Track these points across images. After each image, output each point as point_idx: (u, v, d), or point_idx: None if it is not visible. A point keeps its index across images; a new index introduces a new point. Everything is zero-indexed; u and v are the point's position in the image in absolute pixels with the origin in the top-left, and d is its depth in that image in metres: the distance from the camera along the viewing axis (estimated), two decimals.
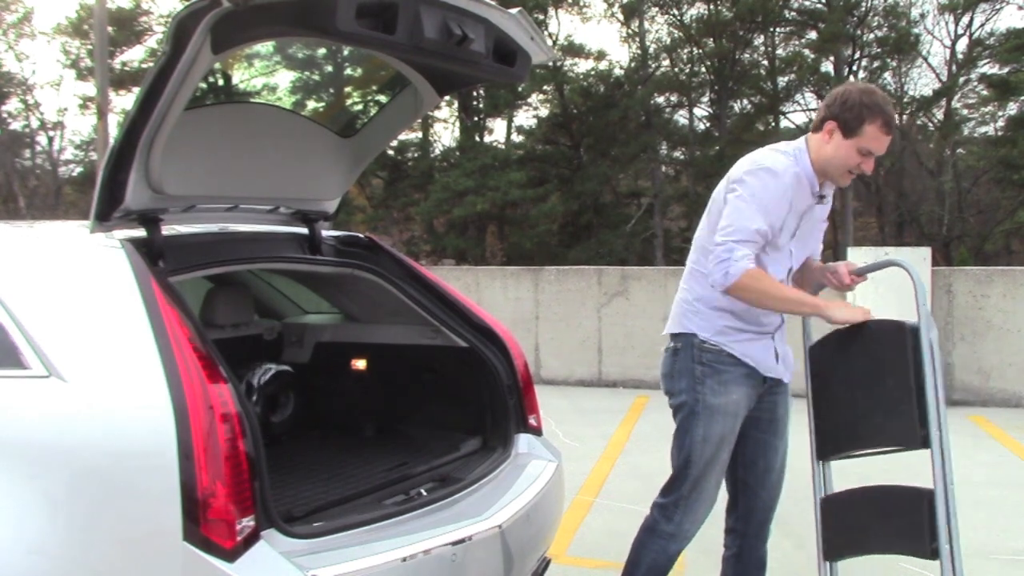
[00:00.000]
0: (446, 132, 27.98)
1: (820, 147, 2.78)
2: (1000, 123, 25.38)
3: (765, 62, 26.32)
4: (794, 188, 2.75)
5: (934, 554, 2.63)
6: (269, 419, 3.41)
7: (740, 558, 3.09)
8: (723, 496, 3.06)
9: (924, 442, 2.66)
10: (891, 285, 7.89)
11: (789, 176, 2.74)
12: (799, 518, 4.74)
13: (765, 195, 2.69)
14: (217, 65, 2.39)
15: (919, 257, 8.06)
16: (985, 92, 24.90)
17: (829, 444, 2.96)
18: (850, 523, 2.92)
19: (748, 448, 2.99)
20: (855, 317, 2.74)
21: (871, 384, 2.78)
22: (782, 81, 25.96)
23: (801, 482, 5.65)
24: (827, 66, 25.32)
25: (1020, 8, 26.46)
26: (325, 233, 3.15)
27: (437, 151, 26.92)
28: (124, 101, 25.99)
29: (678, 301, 2.95)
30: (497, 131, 28.61)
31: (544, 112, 27.83)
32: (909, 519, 2.71)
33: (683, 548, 2.98)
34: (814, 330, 3.04)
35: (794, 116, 27.47)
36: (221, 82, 2.79)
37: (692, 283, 2.92)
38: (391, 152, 24.57)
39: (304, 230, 3.08)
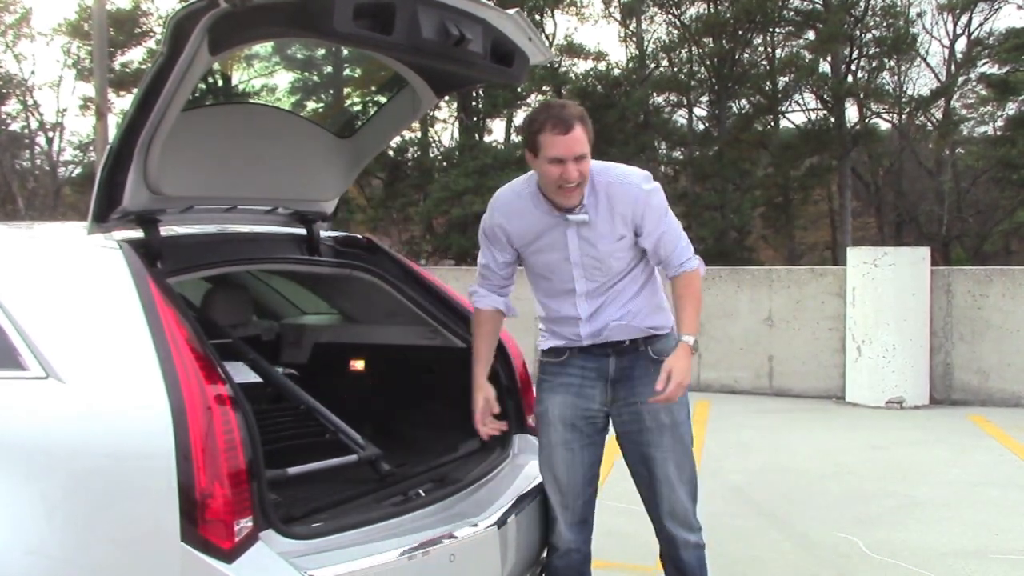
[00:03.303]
0: (445, 132, 27.99)
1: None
2: (999, 123, 25.39)
3: (764, 62, 26.31)
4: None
5: None
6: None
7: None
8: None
9: None
10: (891, 285, 7.92)
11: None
12: (798, 518, 4.75)
13: None
14: (216, 66, 2.39)
15: (918, 257, 8.06)
16: (984, 92, 24.89)
17: None
18: None
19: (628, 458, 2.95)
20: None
21: None
22: (781, 81, 25.95)
23: (798, 483, 5.62)
24: (825, 66, 25.31)
25: (1019, 8, 26.47)
26: (323, 234, 3.15)
27: (437, 151, 26.90)
28: (124, 102, 26.00)
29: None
30: (496, 131, 28.63)
31: None
32: None
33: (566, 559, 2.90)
34: None
35: (793, 116, 27.51)
36: (219, 83, 2.79)
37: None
38: (391, 152, 24.54)
39: (302, 231, 3.08)
